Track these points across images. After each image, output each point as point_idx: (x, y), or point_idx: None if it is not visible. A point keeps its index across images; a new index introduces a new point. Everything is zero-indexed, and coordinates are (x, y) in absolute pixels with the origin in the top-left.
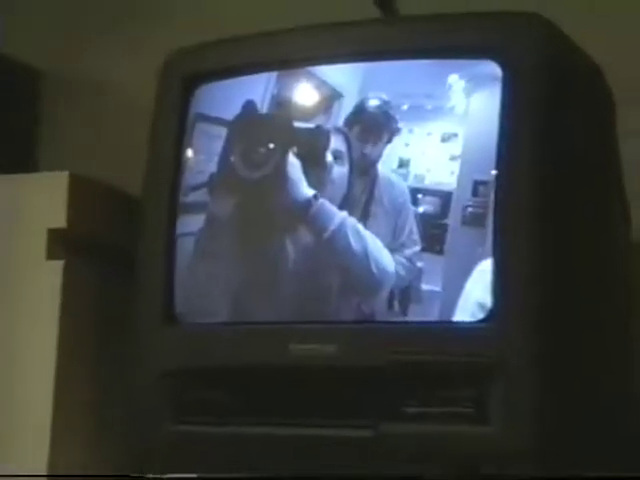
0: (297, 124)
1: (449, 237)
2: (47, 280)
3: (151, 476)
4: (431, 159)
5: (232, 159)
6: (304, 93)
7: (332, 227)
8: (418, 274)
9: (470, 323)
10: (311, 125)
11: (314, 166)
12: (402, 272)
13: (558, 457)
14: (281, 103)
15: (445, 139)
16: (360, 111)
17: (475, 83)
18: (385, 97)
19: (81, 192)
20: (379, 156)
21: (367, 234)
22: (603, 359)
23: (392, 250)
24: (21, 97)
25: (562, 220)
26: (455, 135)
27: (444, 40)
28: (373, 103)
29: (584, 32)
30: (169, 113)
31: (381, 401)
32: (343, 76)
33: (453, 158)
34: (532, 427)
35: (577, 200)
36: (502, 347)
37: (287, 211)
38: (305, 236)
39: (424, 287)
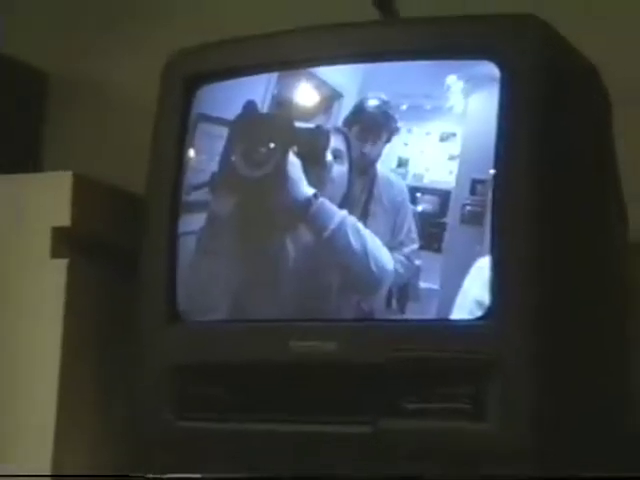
0: (297, 124)
1: (447, 235)
2: (51, 278)
3: (152, 476)
4: (430, 158)
5: (233, 158)
6: (304, 93)
7: (332, 226)
8: (416, 272)
9: (468, 321)
10: (311, 125)
11: (314, 165)
12: (401, 270)
13: (555, 454)
14: (282, 103)
15: (444, 139)
16: (359, 111)
17: (473, 84)
18: (384, 97)
19: (85, 191)
20: (378, 155)
21: (367, 233)
22: (600, 358)
23: (391, 248)
24: (25, 98)
25: (559, 219)
26: (453, 135)
27: (442, 41)
28: (372, 103)
29: (581, 33)
30: (171, 113)
31: (380, 398)
32: (343, 77)
33: (451, 157)
34: (529, 424)
35: (574, 199)
36: (500, 345)
37: (287, 210)
38: (305, 235)
39: (422, 285)
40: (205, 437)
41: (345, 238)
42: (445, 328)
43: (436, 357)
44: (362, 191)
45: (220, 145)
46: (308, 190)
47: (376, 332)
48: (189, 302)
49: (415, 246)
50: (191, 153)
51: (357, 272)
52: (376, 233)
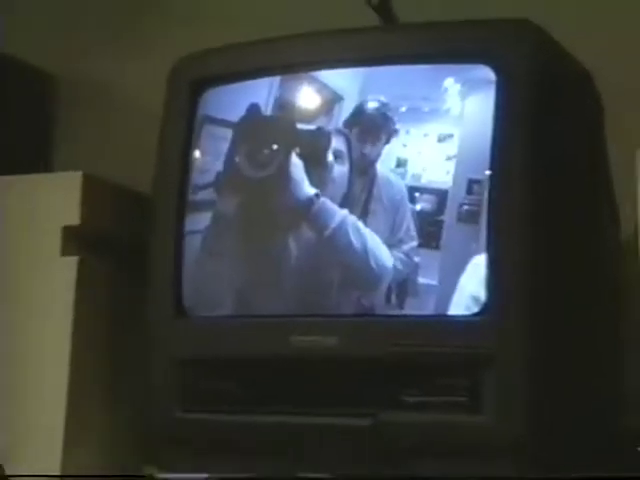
0: (299, 126)
1: (445, 233)
2: (62, 275)
3: (161, 476)
4: (428, 159)
5: (237, 159)
6: (306, 96)
7: (333, 225)
8: (415, 269)
9: (465, 316)
10: (313, 127)
11: (316, 166)
12: (400, 267)
13: (549, 446)
14: (284, 106)
15: (441, 140)
16: (360, 113)
17: (470, 87)
18: (384, 100)
19: (94, 191)
20: (378, 156)
21: (367, 231)
22: (593, 353)
23: (390, 246)
24: (36, 101)
25: (553, 219)
26: (451, 136)
27: (440, 46)
28: (372, 105)
29: (575, 38)
30: (177, 116)
31: (380, 391)
32: (343, 80)
33: (449, 158)
34: (524, 416)
35: (567, 200)
36: (496, 339)
37: (290, 209)
38: (307, 233)
39: (421, 281)
40: (210, 429)
41: (346, 236)
42: (443, 323)
43: (434, 351)
44: (362, 191)
45: (224, 146)
46: (310, 190)
47: (376, 327)
48: (195, 298)
49: (414, 244)
50: (196, 154)
51: (357, 269)
52: (376, 231)
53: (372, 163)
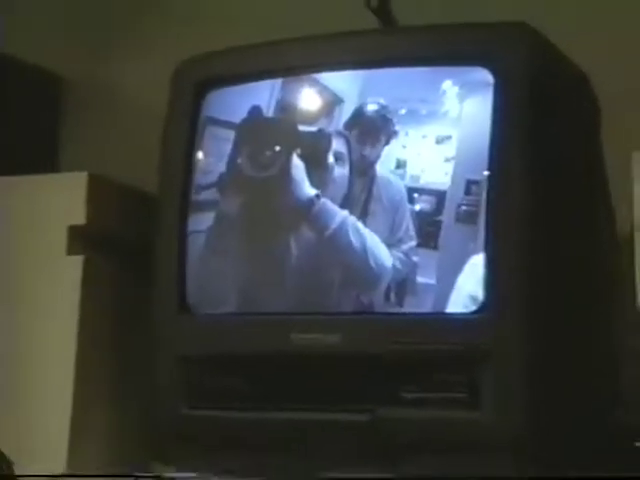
0: (301, 128)
1: (443, 233)
2: (67, 274)
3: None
4: (426, 160)
5: (240, 160)
6: (307, 98)
7: (333, 225)
8: (414, 268)
9: (463, 314)
10: (314, 128)
11: (317, 167)
12: (399, 266)
13: (547, 442)
14: (285, 108)
15: (439, 141)
16: (359, 115)
17: (467, 89)
18: (383, 102)
19: (99, 191)
20: (377, 157)
21: (366, 231)
22: (589, 350)
23: (390, 245)
24: (42, 103)
25: (550, 218)
26: (449, 138)
27: (438, 48)
28: (372, 107)
29: (571, 41)
30: (181, 117)
31: (379, 387)
32: (344, 82)
33: (447, 159)
34: (521, 412)
35: (564, 200)
36: (493, 337)
37: (291, 210)
38: (308, 233)
39: (419, 280)
40: (214, 425)
41: (346, 236)
42: (441, 321)
43: (433, 348)
44: (362, 191)
45: (227, 147)
46: (311, 191)
47: (375, 325)
48: (198, 296)
49: (413, 243)
50: (200, 155)
51: (357, 268)
52: (375, 231)
53: (372, 164)
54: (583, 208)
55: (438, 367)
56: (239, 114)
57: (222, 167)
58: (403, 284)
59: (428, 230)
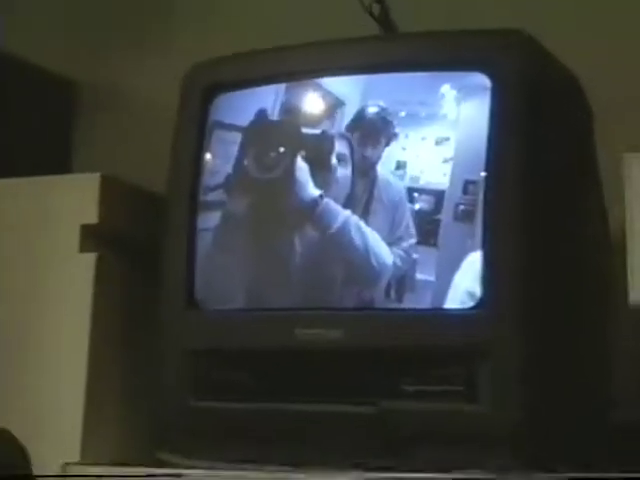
0: (304, 130)
1: (442, 231)
2: (80, 271)
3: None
4: (425, 161)
5: (246, 162)
6: (310, 102)
7: (336, 224)
8: (413, 265)
9: (461, 310)
10: (317, 131)
11: (320, 168)
12: (399, 263)
13: (542, 433)
14: (290, 111)
15: (438, 143)
16: (361, 118)
17: (465, 93)
18: (383, 105)
19: (111, 191)
20: (378, 159)
21: (368, 231)
22: (583, 345)
23: (390, 243)
24: (56, 106)
25: (545, 217)
26: (447, 139)
27: (437, 54)
28: (372, 110)
29: (566, 48)
30: (190, 120)
31: (381, 381)
32: (346, 86)
33: (445, 160)
34: (518, 404)
35: (558, 200)
36: (491, 332)
37: (296, 209)
38: (312, 232)
39: (418, 277)
40: (221, 416)
41: (348, 235)
42: (440, 317)
43: (432, 343)
44: (364, 191)
45: (234, 150)
46: (314, 191)
47: (376, 320)
48: (206, 292)
49: (413, 241)
50: (208, 157)
51: (359, 266)
52: (376, 230)
53: (373, 165)
54: (577, 208)
55: (437, 361)
56: (245, 118)
57: (229, 168)
58: (403, 281)
59: (427, 228)
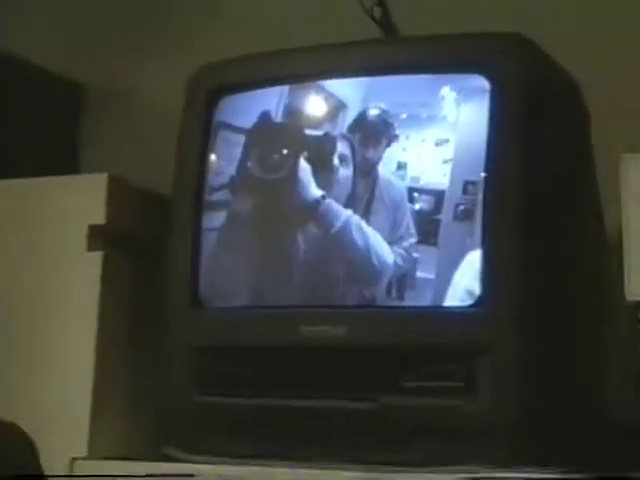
0: (307, 132)
1: (442, 231)
2: (88, 270)
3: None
4: (426, 162)
5: (250, 163)
6: (313, 104)
7: (338, 224)
8: (414, 264)
9: (461, 307)
10: (320, 132)
11: (322, 169)
12: (400, 262)
13: (540, 428)
14: (293, 113)
15: (438, 144)
16: (362, 120)
17: (465, 95)
18: (384, 107)
19: (118, 192)
20: (379, 159)
21: (369, 230)
22: (580, 341)
23: (391, 242)
24: (64, 109)
25: (542, 217)
26: (447, 141)
27: (438, 57)
28: (374, 112)
29: (564, 51)
30: (195, 122)
31: (382, 377)
32: (347, 89)
33: (445, 161)
34: (516, 400)
35: (555, 200)
36: (489, 329)
37: (299, 209)
38: (314, 231)
39: (419, 275)
40: (225, 411)
41: (350, 235)
42: (440, 314)
43: (432, 340)
44: (365, 192)
45: (238, 151)
46: (317, 192)
47: (378, 318)
48: (211, 290)
49: (413, 240)
50: (212, 158)
51: (361, 265)
52: (378, 229)
53: (374, 166)
54: (574, 208)
55: (437, 358)
56: (249, 119)
57: (233, 169)
58: (404, 279)
59: (428, 228)
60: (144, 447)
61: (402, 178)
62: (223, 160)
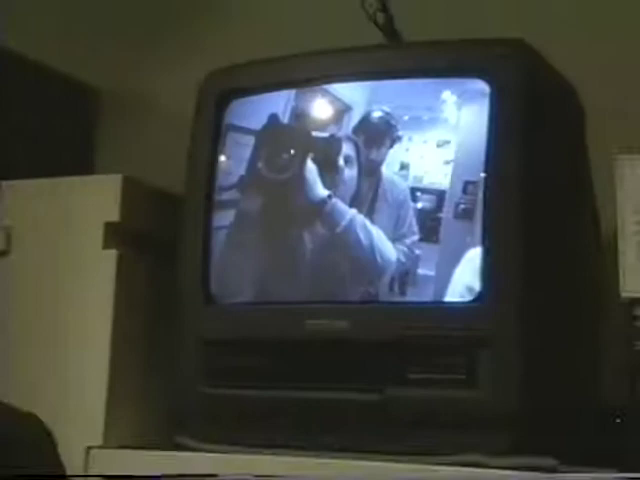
0: (314, 133)
1: (443, 229)
2: (103, 268)
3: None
4: (428, 163)
5: (259, 164)
6: (319, 107)
7: (343, 223)
8: (416, 261)
9: (461, 303)
10: (325, 134)
11: (328, 170)
12: (402, 259)
13: (539, 418)
14: (300, 116)
15: (440, 145)
16: (367, 122)
17: (466, 98)
18: (388, 110)
19: (132, 192)
20: (383, 160)
21: (373, 228)
22: (576, 336)
23: (394, 240)
24: (80, 111)
25: (540, 216)
26: (448, 142)
27: (440, 62)
28: (378, 115)
29: (561, 56)
30: (206, 124)
31: (386, 369)
32: (352, 92)
33: (446, 162)
34: (516, 391)
35: (553, 200)
36: (490, 323)
37: (305, 209)
38: (320, 230)
39: (421, 272)
40: (233, 403)
41: (355, 233)
42: (441, 309)
43: (434, 334)
44: (369, 191)
45: (247, 152)
46: (323, 192)
47: (381, 312)
48: (221, 286)
49: (415, 238)
50: (222, 158)
51: (364, 262)
52: (381, 228)
53: (378, 166)
54: (570, 208)
55: (439, 351)
56: (258, 122)
57: (242, 170)
58: (406, 275)
59: (429, 226)
60: (157, 436)
61: (405, 178)
62: (233, 161)
